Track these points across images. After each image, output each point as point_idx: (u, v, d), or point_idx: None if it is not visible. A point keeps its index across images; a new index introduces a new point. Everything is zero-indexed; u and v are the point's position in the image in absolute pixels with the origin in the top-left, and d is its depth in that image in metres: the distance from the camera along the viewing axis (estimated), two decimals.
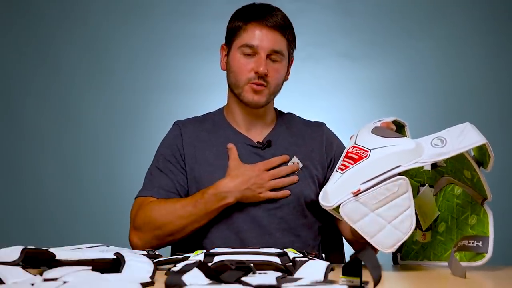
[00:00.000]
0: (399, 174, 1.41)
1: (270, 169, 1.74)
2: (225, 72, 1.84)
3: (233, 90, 1.81)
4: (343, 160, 1.46)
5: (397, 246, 1.41)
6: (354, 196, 1.39)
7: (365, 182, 1.39)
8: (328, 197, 1.43)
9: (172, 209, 1.71)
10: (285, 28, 1.79)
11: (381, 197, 1.39)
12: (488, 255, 1.46)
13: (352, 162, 1.44)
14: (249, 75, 1.76)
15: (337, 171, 1.46)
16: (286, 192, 1.75)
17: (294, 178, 1.76)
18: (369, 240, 1.41)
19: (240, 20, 1.79)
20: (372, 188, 1.39)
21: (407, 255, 1.66)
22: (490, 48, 3.20)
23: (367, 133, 1.49)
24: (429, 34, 3.22)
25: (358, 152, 1.45)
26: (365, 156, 1.43)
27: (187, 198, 1.73)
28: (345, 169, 1.44)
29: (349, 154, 1.46)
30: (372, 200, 1.39)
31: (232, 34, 1.80)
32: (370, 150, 1.44)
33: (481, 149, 1.49)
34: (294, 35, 1.83)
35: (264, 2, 1.84)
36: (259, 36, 1.75)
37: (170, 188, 1.78)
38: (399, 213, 1.40)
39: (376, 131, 1.49)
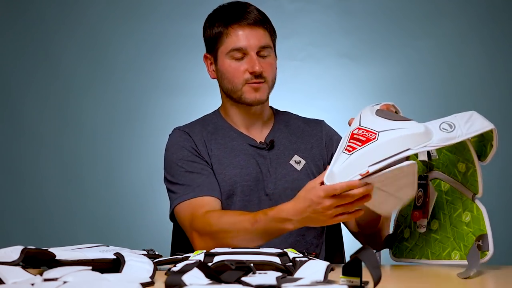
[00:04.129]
0: (408, 158, 1.41)
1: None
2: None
3: (231, 95, 1.80)
4: (349, 142, 1.44)
5: (394, 210, 1.51)
6: (361, 178, 1.39)
7: (373, 164, 1.39)
8: (335, 178, 1.41)
9: (231, 222, 1.62)
10: (265, 21, 1.78)
11: (387, 180, 1.40)
12: (490, 252, 1.46)
13: (360, 143, 1.42)
14: (245, 76, 1.75)
15: (344, 152, 1.43)
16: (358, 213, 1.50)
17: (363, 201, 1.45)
18: (368, 206, 1.44)
19: (218, 26, 1.77)
20: (381, 172, 1.38)
21: (401, 253, 1.66)
22: (490, 47, 3.20)
23: (371, 115, 1.48)
24: (428, 34, 3.22)
25: (365, 134, 1.43)
26: (374, 138, 1.41)
27: (248, 213, 1.62)
28: (352, 150, 1.41)
29: (355, 136, 1.44)
30: (378, 182, 1.40)
31: (214, 41, 1.79)
32: (379, 132, 1.42)
33: (481, 141, 1.49)
34: (272, 25, 1.82)
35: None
36: (243, 37, 1.74)
37: (209, 184, 1.73)
38: (403, 185, 1.42)
39: (381, 113, 1.48)
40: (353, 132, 1.46)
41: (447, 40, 3.21)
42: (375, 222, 1.72)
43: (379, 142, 1.41)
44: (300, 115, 1.95)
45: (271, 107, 1.92)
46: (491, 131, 1.46)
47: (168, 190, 1.79)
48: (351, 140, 1.44)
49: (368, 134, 1.43)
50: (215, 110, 1.91)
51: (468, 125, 1.44)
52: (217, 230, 1.62)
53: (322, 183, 1.43)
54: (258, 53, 1.75)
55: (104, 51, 3.23)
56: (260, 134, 1.85)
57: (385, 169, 1.38)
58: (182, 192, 1.74)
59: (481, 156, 1.52)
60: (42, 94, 3.20)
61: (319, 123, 1.93)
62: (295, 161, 1.82)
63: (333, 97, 3.21)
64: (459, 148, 1.53)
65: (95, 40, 3.23)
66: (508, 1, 3.22)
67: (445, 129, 1.43)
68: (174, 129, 1.87)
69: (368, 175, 1.38)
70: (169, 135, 1.86)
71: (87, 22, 3.24)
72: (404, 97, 3.18)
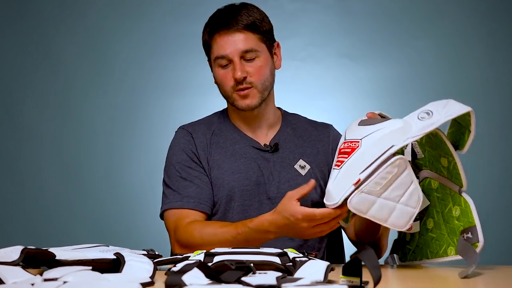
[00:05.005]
0: (394, 154, 1.41)
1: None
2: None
3: (227, 100, 1.82)
4: (338, 157, 1.47)
5: (411, 222, 1.44)
6: (356, 188, 1.39)
7: (363, 171, 1.40)
8: (332, 195, 1.43)
9: (212, 234, 1.65)
10: (251, 25, 1.75)
11: (383, 182, 1.40)
12: (480, 244, 1.45)
13: (346, 156, 1.45)
14: (231, 83, 1.75)
15: (334, 168, 1.47)
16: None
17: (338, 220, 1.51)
18: (384, 224, 1.43)
19: (206, 34, 1.80)
20: (373, 175, 1.39)
21: (405, 256, 1.66)
22: (490, 47, 3.20)
23: (355, 127, 1.50)
24: (429, 34, 3.22)
25: (350, 145, 1.46)
26: (357, 147, 1.44)
27: (230, 225, 1.67)
28: (341, 164, 1.45)
29: (342, 150, 1.47)
30: (375, 187, 1.40)
31: (206, 49, 1.81)
32: (361, 139, 1.45)
33: (459, 129, 1.49)
34: (265, 23, 1.78)
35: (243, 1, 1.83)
36: (225, 44, 1.74)
37: (198, 194, 1.76)
38: (405, 190, 1.41)
39: (364, 122, 1.50)
40: (340, 148, 1.49)
41: (447, 40, 3.21)
42: (374, 232, 1.71)
43: (363, 148, 1.43)
44: (308, 117, 1.94)
45: (279, 108, 1.91)
46: (468, 114, 1.44)
47: (163, 190, 1.82)
48: (339, 155, 1.47)
49: (352, 144, 1.46)
50: (224, 109, 1.91)
51: (446, 109, 1.43)
52: (199, 242, 1.65)
53: (298, 200, 1.50)
54: (243, 58, 1.74)
55: (104, 51, 3.23)
56: (265, 137, 1.84)
57: (375, 171, 1.39)
58: (172, 198, 1.77)
59: (460, 145, 1.50)
60: (42, 94, 3.20)
61: (327, 128, 1.92)
62: (300, 166, 1.81)
63: (333, 97, 3.21)
64: (437, 143, 1.53)
65: (95, 40, 3.23)
66: (509, 1, 3.22)
67: (423, 118, 1.44)
68: (179, 127, 1.88)
69: (361, 182, 1.39)
70: (175, 132, 1.88)
71: (87, 22, 3.24)
72: (404, 97, 3.18)
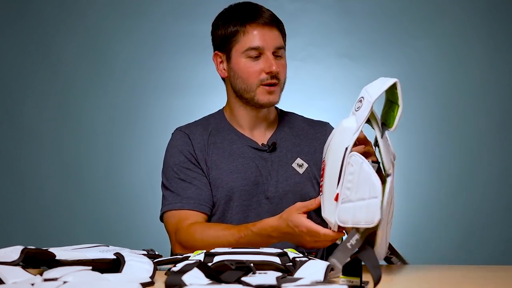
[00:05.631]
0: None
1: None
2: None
3: (243, 95, 1.78)
4: (320, 182, 1.50)
5: (379, 213, 1.33)
6: (337, 201, 1.40)
7: (338, 185, 1.41)
8: (329, 221, 1.45)
9: (215, 236, 1.65)
10: (279, 22, 1.79)
11: (350, 185, 1.39)
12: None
13: (322, 178, 1.48)
14: (260, 76, 1.75)
15: (320, 195, 1.49)
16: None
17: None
18: (359, 226, 1.36)
19: (233, 25, 1.76)
20: (343, 184, 1.40)
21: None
22: (490, 47, 3.20)
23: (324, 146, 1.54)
24: (429, 34, 3.22)
25: (322, 167, 1.49)
26: (325, 166, 1.47)
27: (232, 228, 1.66)
28: (321, 188, 1.48)
29: (322, 174, 1.50)
30: (348, 193, 1.39)
31: (227, 40, 1.77)
32: (325, 157, 1.49)
33: (390, 107, 1.44)
34: (284, 27, 1.82)
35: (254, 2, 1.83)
36: (260, 36, 1.74)
37: (197, 195, 1.75)
38: (370, 183, 1.36)
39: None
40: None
41: (447, 40, 3.21)
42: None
43: (328, 164, 1.45)
44: (304, 116, 1.95)
45: (276, 107, 1.91)
46: (395, 88, 1.39)
47: (162, 193, 1.82)
48: (320, 180, 1.50)
49: (323, 165, 1.49)
50: (219, 110, 1.90)
51: (372, 88, 1.41)
52: (200, 244, 1.64)
53: (305, 212, 1.51)
54: (273, 53, 1.75)
55: (104, 51, 3.23)
56: (263, 136, 1.84)
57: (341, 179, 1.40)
58: (171, 200, 1.76)
59: (389, 123, 1.44)
60: (42, 94, 3.20)
61: (324, 126, 1.92)
62: (297, 164, 1.81)
63: (333, 97, 3.21)
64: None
65: (95, 40, 3.23)
66: (509, 1, 3.22)
67: (358, 107, 1.43)
68: (176, 129, 1.87)
69: (339, 195, 1.39)
70: (172, 134, 1.87)
71: (87, 22, 3.23)
72: (404, 97, 3.17)
